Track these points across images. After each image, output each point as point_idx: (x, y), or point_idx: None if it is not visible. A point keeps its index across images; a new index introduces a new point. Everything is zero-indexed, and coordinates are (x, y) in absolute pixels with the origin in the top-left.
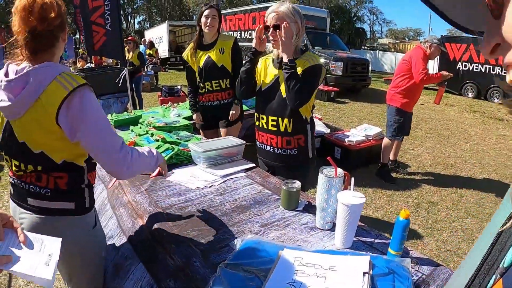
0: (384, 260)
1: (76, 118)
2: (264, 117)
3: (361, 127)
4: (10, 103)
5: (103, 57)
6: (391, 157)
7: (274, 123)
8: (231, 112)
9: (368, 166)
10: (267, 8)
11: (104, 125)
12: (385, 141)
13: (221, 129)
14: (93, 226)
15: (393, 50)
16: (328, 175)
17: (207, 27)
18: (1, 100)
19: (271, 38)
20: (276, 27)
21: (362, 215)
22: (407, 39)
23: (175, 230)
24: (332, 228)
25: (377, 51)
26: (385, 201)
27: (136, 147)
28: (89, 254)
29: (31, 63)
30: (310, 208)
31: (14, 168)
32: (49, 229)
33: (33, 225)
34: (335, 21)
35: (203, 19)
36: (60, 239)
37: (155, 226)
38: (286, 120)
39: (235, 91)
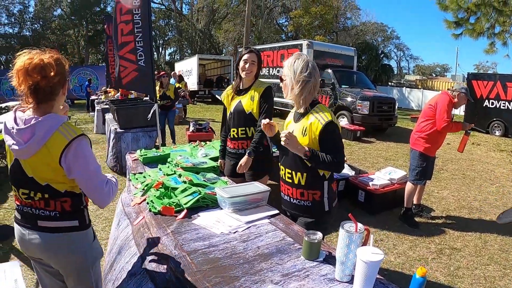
0: None
1: (72, 161)
2: (283, 168)
3: (386, 170)
4: (20, 147)
5: None
6: (415, 201)
7: (290, 175)
8: (239, 163)
9: (392, 210)
10: (296, 45)
11: (93, 168)
12: (409, 185)
13: (247, 180)
14: (93, 239)
15: (420, 87)
16: (349, 231)
17: (244, 72)
18: (13, 143)
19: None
20: (281, 79)
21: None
22: (434, 75)
23: (199, 275)
24: (351, 281)
25: (404, 88)
26: (407, 246)
27: (108, 178)
28: (91, 261)
29: (35, 112)
30: (330, 259)
31: (22, 196)
32: (60, 244)
33: (45, 243)
34: (362, 57)
35: (241, 63)
36: (18, 263)
37: (179, 269)
38: (299, 174)
39: None
